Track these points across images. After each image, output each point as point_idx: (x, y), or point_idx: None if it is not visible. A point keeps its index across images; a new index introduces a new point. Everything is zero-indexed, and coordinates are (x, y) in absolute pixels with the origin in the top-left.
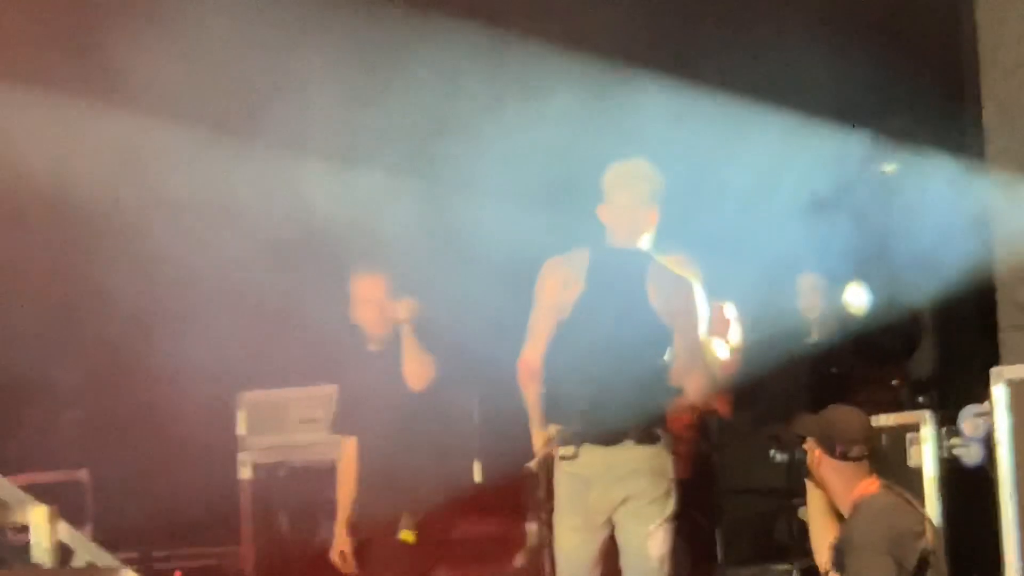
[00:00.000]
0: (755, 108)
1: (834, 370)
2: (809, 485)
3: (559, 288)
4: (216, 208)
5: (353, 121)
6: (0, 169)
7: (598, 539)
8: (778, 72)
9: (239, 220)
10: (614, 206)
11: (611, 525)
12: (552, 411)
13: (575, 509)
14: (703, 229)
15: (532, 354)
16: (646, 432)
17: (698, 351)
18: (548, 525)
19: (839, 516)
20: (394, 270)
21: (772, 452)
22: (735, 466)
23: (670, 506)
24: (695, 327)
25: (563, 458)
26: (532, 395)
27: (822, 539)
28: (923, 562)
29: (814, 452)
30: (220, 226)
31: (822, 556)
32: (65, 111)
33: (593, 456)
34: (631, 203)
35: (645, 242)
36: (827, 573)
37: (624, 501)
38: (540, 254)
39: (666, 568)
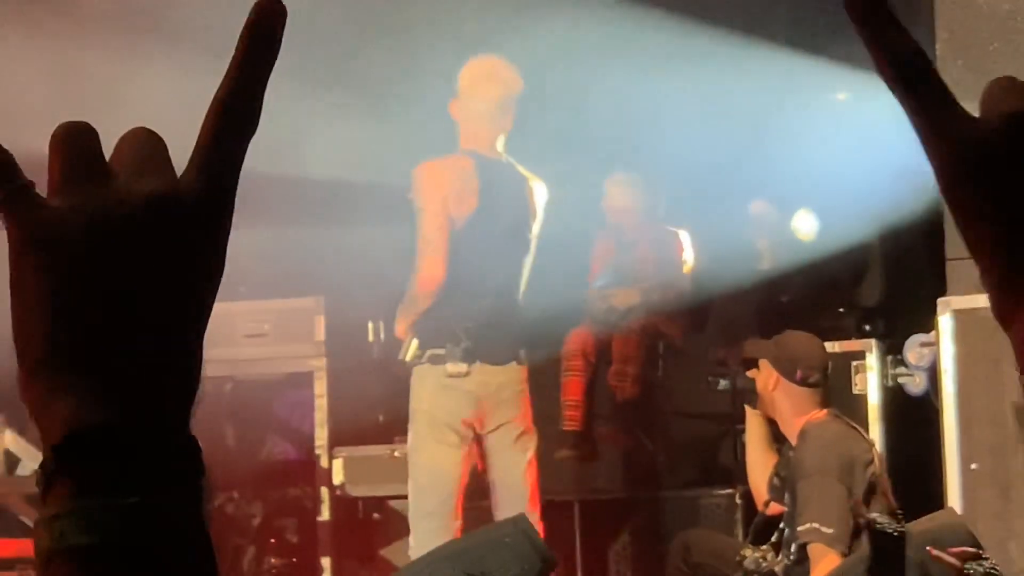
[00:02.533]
0: (706, 32)
1: (784, 298)
2: (750, 413)
3: (452, 198)
4: None
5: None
6: None
7: (471, 457)
8: None
9: None
10: (470, 104)
11: (481, 444)
12: (443, 328)
13: (452, 425)
14: (653, 154)
15: (439, 269)
16: (530, 354)
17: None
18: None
19: (777, 447)
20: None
21: (713, 379)
22: (681, 390)
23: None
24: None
25: (452, 376)
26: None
27: (760, 469)
28: (871, 489)
29: (770, 376)
30: None
31: (759, 487)
32: None
33: (484, 375)
34: (490, 103)
35: (501, 145)
36: (766, 504)
37: (502, 425)
38: None
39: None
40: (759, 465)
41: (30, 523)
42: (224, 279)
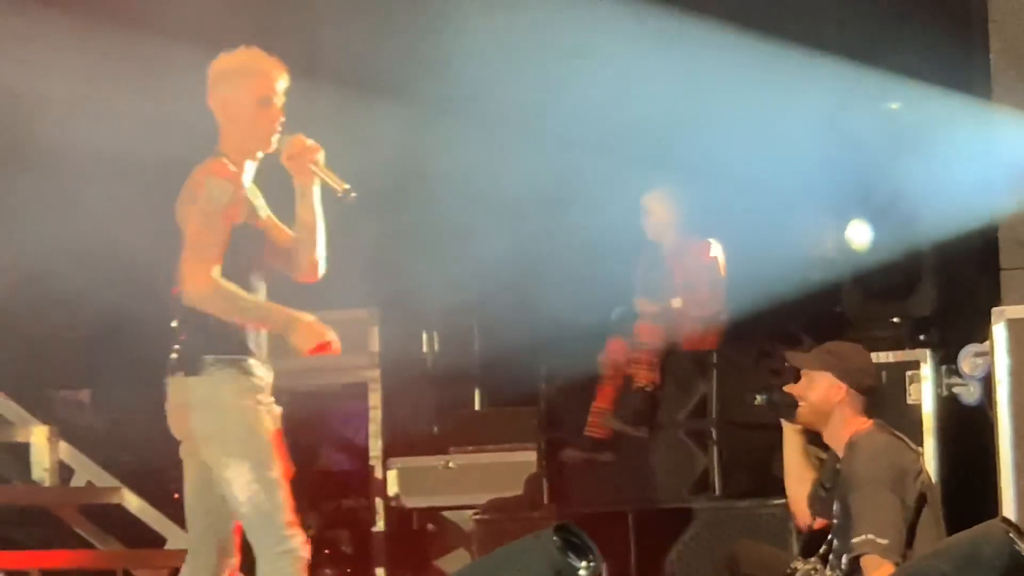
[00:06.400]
0: (763, 42)
1: (838, 308)
2: (787, 427)
3: (238, 209)
4: None
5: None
6: None
7: None
8: (786, 6)
9: None
10: (228, 102)
11: None
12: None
13: None
14: (709, 163)
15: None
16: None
17: None
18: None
19: (818, 460)
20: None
21: (749, 395)
22: (734, 400)
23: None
24: None
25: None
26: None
27: (800, 485)
28: (921, 500)
29: (833, 387)
30: None
31: (800, 503)
32: None
33: None
34: (250, 100)
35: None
36: (809, 526)
37: None
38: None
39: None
40: (800, 480)
41: (83, 534)
42: (279, 290)
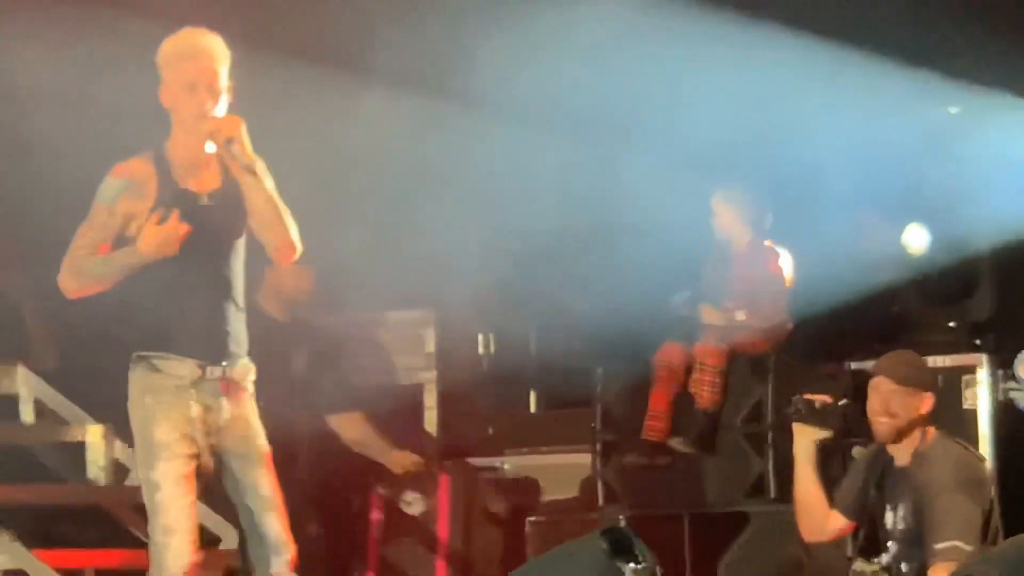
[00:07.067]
0: (819, 47)
1: (894, 312)
2: (807, 435)
3: (133, 203)
4: None
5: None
6: None
7: None
8: (845, 11)
9: None
10: (179, 85)
11: None
12: None
13: None
14: (768, 166)
15: None
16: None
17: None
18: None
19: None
20: None
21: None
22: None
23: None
24: None
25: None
26: None
27: (818, 491)
28: (990, 509)
29: (922, 398)
30: None
31: (819, 509)
32: None
33: None
34: (177, 87)
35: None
36: (855, 558)
37: None
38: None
39: None
40: (817, 487)
41: (138, 533)
42: (334, 291)
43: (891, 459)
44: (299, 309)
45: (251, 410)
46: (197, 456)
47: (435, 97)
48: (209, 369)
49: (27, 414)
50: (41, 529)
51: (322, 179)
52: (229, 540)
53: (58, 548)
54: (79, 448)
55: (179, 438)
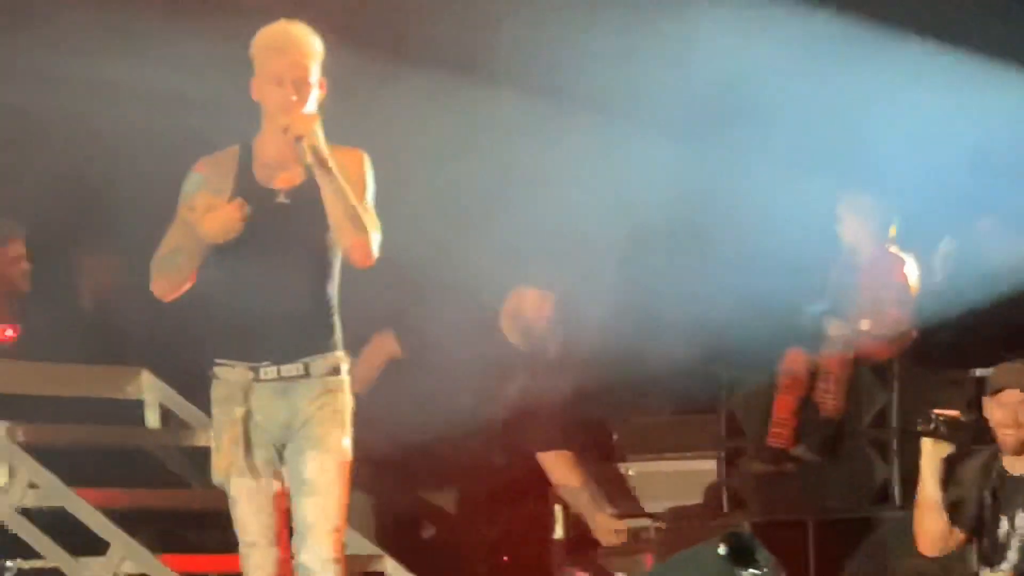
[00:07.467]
0: (946, 54)
1: (1020, 316)
2: (935, 450)
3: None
4: None
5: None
6: None
7: None
8: (951, 14)
9: None
10: (266, 79)
11: None
12: None
13: None
14: (890, 172)
15: None
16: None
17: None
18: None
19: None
20: None
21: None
22: (916, 410)
23: None
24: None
25: None
26: None
27: (938, 504)
28: None
29: None
30: None
31: (938, 524)
32: None
33: None
34: (264, 81)
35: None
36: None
37: None
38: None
39: None
40: (939, 503)
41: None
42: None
43: (1003, 468)
44: (540, 338)
45: (326, 403)
46: (270, 465)
47: (556, 96)
48: (264, 370)
49: (152, 419)
50: (166, 534)
51: (449, 180)
52: (356, 546)
53: (180, 553)
54: (204, 453)
55: (244, 451)
